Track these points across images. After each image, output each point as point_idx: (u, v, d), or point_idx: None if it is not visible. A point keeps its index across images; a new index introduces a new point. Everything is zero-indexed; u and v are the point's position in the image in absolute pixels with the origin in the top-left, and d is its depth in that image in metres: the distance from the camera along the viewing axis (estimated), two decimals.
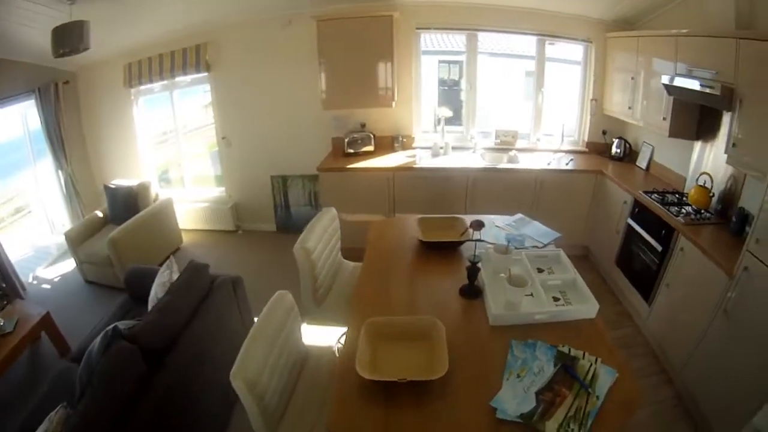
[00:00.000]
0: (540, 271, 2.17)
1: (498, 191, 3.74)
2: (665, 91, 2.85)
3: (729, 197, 2.65)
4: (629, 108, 3.42)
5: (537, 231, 2.56)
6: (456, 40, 4.37)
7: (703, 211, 2.72)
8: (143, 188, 4.00)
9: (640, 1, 3.33)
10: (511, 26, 3.89)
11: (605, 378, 1.52)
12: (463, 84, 4.21)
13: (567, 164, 3.83)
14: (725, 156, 2.43)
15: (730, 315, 2.13)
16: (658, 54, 2.99)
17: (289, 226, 4.52)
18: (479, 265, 1.94)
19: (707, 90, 2.40)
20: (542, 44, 3.98)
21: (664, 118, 2.97)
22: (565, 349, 1.64)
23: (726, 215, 2.66)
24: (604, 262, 3.68)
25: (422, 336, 1.65)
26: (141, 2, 3.26)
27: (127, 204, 3.89)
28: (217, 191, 4.67)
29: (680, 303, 2.59)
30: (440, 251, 2.34)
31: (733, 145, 2.31)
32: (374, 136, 4.00)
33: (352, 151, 3.96)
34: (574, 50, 4.07)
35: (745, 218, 2.43)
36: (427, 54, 4.21)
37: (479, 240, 1.99)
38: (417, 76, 4.08)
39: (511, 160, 3.97)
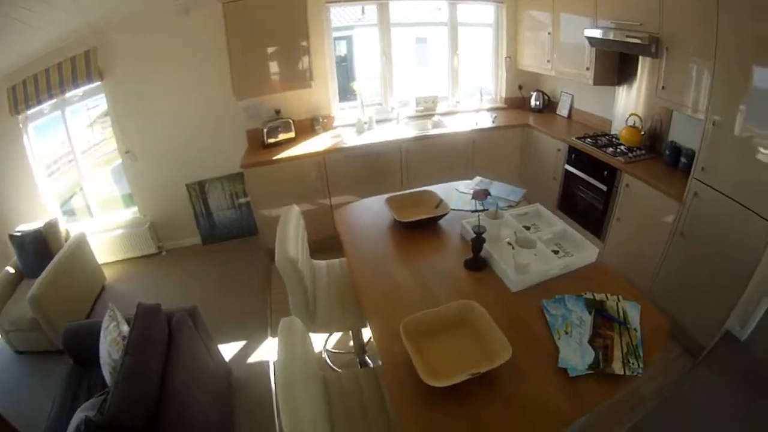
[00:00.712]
0: (527, 228, 2.24)
1: (433, 159, 3.78)
2: (587, 44, 3.08)
3: (657, 134, 3.00)
4: (548, 62, 3.67)
5: (504, 190, 2.63)
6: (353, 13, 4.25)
7: (635, 149, 3.05)
8: (51, 228, 3.31)
9: None
10: None
11: (633, 312, 1.63)
12: (379, 56, 4.11)
13: (493, 122, 4.00)
14: (649, 97, 2.73)
15: (686, 235, 2.44)
16: (577, 10, 3.23)
17: (215, 235, 4.11)
18: (484, 235, 1.92)
19: (634, 40, 2.65)
20: (454, 8, 4.06)
21: (587, 68, 3.24)
22: (590, 296, 1.72)
23: (656, 150, 3.01)
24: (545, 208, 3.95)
25: (461, 323, 1.58)
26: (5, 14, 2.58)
27: (38, 251, 3.21)
28: (130, 213, 4.05)
29: (634, 233, 2.89)
30: (421, 229, 2.27)
31: (663, 87, 2.61)
32: (293, 121, 3.76)
33: (272, 140, 3.66)
34: (485, 12, 4.21)
35: (677, 150, 2.77)
36: (338, 30, 4.03)
37: (482, 210, 1.97)
38: (330, 52, 3.90)
39: (436, 126, 4.04)
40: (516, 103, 4.38)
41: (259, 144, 3.68)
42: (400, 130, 3.94)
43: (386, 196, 2.50)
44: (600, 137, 3.34)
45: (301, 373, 1.33)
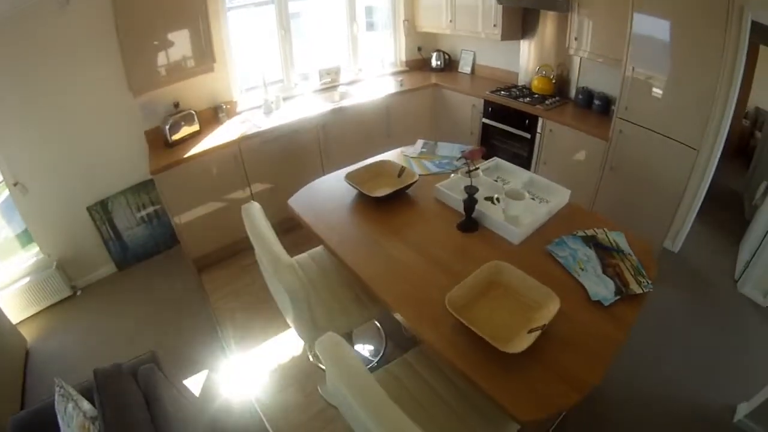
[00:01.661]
0: (495, 182, 2.37)
1: (350, 131, 3.71)
2: (494, 1, 3.34)
3: (565, 81, 3.41)
4: (450, 21, 3.81)
5: (451, 150, 2.72)
6: None
7: (548, 97, 3.42)
8: None
9: None
10: None
11: (621, 240, 1.88)
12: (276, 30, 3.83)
13: (401, 85, 4.04)
14: (558, 48, 3.08)
15: (616, 169, 2.85)
16: None
17: (130, 258, 3.53)
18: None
19: None
20: None
21: (494, 25, 3.47)
22: (582, 233, 1.93)
23: (566, 95, 3.45)
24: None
25: (494, 285, 1.62)
26: None
27: None
28: (32, 256, 3.21)
29: (563, 173, 3.24)
30: (392, 201, 2.23)
31: (575, 38, 2.96)
32: (196, 113, 3.36)
33: (176, 137, 3.22)
34: None
35: (589, 94, 3.22)
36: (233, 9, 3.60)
37: (475, 169, 2.03)
38: (226, 32, 3.49)
39: (343, 97, 3.96)
40: (417, 65, 4.51)
41: (162, 144, 3.19)
42: (311, 105, 3.75)
43: (343, 172, 2.41)
44: (512, 89, 3.64)
45: (373, 388, 1.15)
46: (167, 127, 3.14)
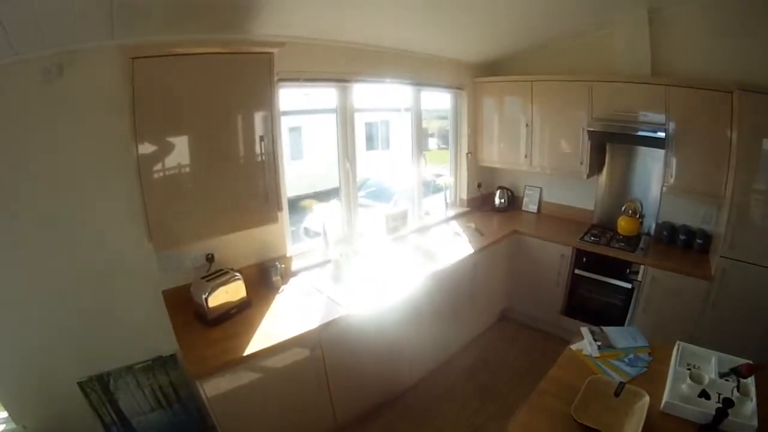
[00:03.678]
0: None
1: (439, 299, 3.11)
2: (583, 138, 3.41)
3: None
4: (525, 157, 3.80)
5: (626, 339, 2.30)
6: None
7: (633, 238, 3.42)
8: None
9: (523, 40, 3.76)
10: (387, 74, 3.35)
11: None
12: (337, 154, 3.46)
13: (481, 234, 3.67)
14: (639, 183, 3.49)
15: (718, 306, 2.85)
16: (565, 100, 3.50)
17: None
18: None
19: (657, 134, 3.02)
20: (418, 94, 3.71)
21: (581, 162, 3.49)
22: None
23: (647, 233, 3.51)
24: (544, 316, 3.85)
25: None
26: None
27: None
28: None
29: (662, 317, 3.09)
30: None
31: (671, 176, 3.06)
32: (240, 273, 2.53)
33: (216, 307, 2.36)
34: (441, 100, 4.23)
35: (672, 228, 3.33)
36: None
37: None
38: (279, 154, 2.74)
39: (426, 253, 3.35)
40: (476, 203, 4.40)
41: (193, 316, 2.42)
42: (390, 261, 3.16)
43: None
44: (601, 233, 3.56)
45: None
46: (205, 296, 2.32)
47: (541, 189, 4.19)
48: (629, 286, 3.21)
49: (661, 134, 2.97)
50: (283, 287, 2.76)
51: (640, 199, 3.52)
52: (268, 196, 2.41)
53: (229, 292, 2.42)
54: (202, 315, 2.36)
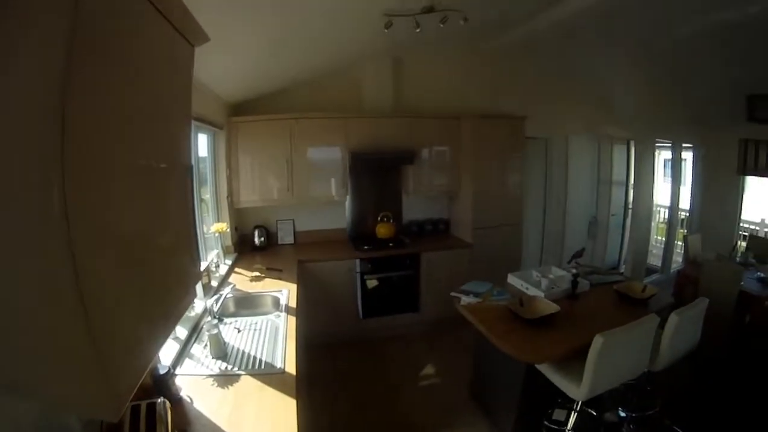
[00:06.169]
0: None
1: None
2: (344, 164, 4.28)
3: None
4: (288, 190, 4.14)
5: (480, 287, 3.39)
6: None
7: (393, 239, 4.58)
8: None
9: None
10: None
11: None
12: None
13: (279, 271, 3.69)
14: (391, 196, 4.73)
15: (474, 262, 4.51)
16: (324, 134, 4.23)
17: None
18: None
19: (405, 156, 4.36)
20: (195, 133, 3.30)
21: (342, 187, 4.35)
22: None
23: (403, 232, 4.89)
24: (345, 327, 4.34)
25: None
26: None
27: None
28: None
29: (441, 284, 3.97)
30: None
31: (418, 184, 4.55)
32: None
33: None
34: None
35: (419, 224, 5.01)
36: None
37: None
38: None
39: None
40: (237, 246, 4.27)
41: None
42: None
43: None
44: (367, 242, 4.44)
45: None
46: None
47: (293, 220, 4.61)
48: (412, 272, 4.35)
49: (409, 155, 4.34)
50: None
51: (389, 208, 4.69)
52: None
53: None
54: None
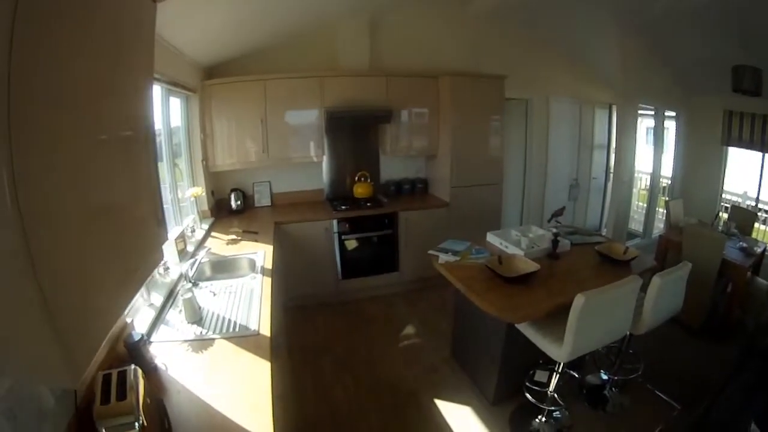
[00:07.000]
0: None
1: None
2: (320, 123, 4.28)
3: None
4: (263, 151, 4.14)
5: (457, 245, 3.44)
6: None
7: (372, 198, 4.66)
8: None
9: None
10: None
11: None
12: None
13: (255, 233, 3.71)
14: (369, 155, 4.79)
15: (453, 220, 4.63)
16: (299, 94, 4.19)
17: None
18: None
19: (382, 114, 4.33)
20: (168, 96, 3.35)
21: (318, 147, 4.35)
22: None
23: (381, 192, 4.95)
24: (324, 288, 4.51)
25: None
26: None
27: None
28: None
29: (419, 241, 4.02)
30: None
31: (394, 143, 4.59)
32: None
33: None
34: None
35: (397, 183, 5.05)
36: None
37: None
38: None
39: None
40: (214, 210, 4.27)
41: None
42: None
43: None
44: (345, 202, 4.51)
45: None
46: None
47: (270, 182, 4.61)
48: (390, 231, 4.42)
49: (386, 114, 4.32)
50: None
51: (366, 168, 4.71)
52: None
53: None
54: None
